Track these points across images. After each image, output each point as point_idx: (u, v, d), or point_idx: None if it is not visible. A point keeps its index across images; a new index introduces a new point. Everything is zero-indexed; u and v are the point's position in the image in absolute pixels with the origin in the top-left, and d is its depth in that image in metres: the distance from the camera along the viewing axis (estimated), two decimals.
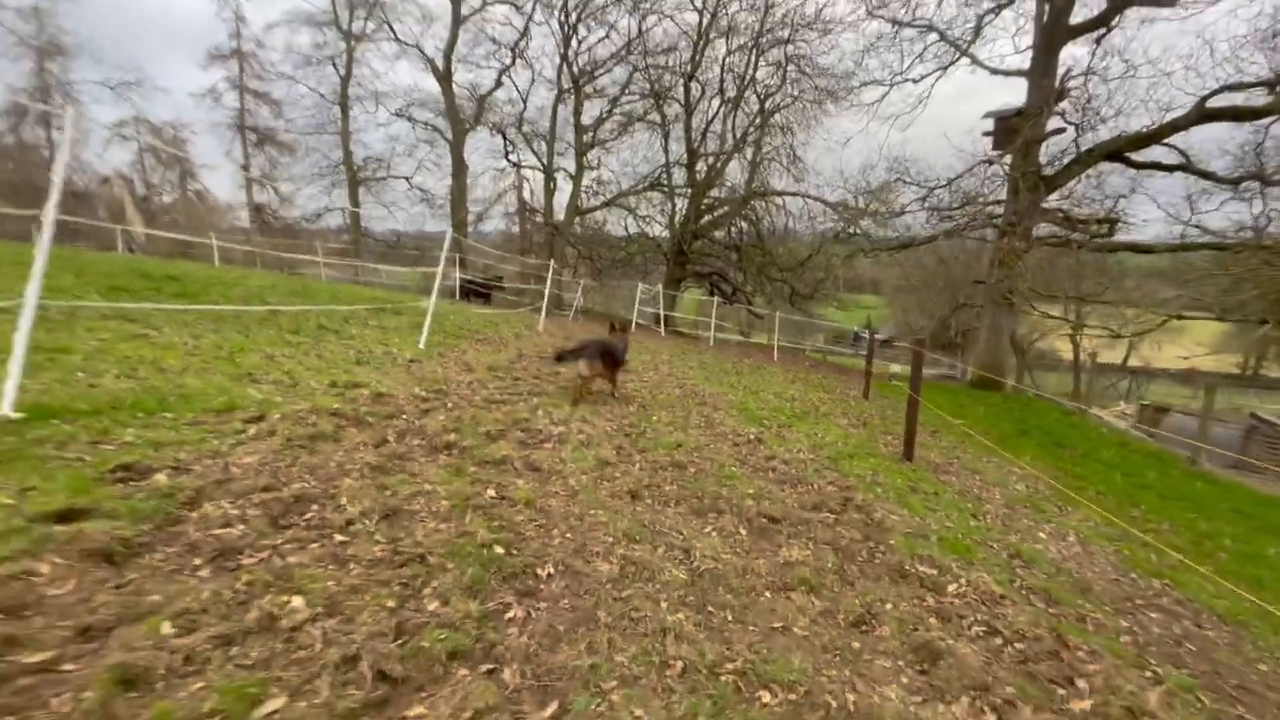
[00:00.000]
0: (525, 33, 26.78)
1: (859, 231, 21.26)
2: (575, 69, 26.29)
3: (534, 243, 31.87)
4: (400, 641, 1.88)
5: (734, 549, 3.20)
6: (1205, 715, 2.63)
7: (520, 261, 25.91)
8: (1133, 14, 14.52)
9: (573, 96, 26.45)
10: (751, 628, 2.46)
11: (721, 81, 23.69)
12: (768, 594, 2.81)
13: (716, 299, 23.95)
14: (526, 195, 31.58)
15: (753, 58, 24.13)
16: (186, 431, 3.17)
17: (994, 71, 16.09)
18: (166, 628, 1.74)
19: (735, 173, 27.05)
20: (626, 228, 28.74)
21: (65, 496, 2.28)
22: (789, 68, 24.07)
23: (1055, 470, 7.99)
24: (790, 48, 23.66)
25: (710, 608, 2.54)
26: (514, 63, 27.17)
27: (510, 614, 2.20)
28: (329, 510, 2.64)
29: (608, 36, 25.91)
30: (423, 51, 27.95)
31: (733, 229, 26.98)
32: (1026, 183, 14.42)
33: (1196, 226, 14.12)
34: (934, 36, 16.77)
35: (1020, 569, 3.93)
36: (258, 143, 35.60)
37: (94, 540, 2.03)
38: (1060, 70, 14.69)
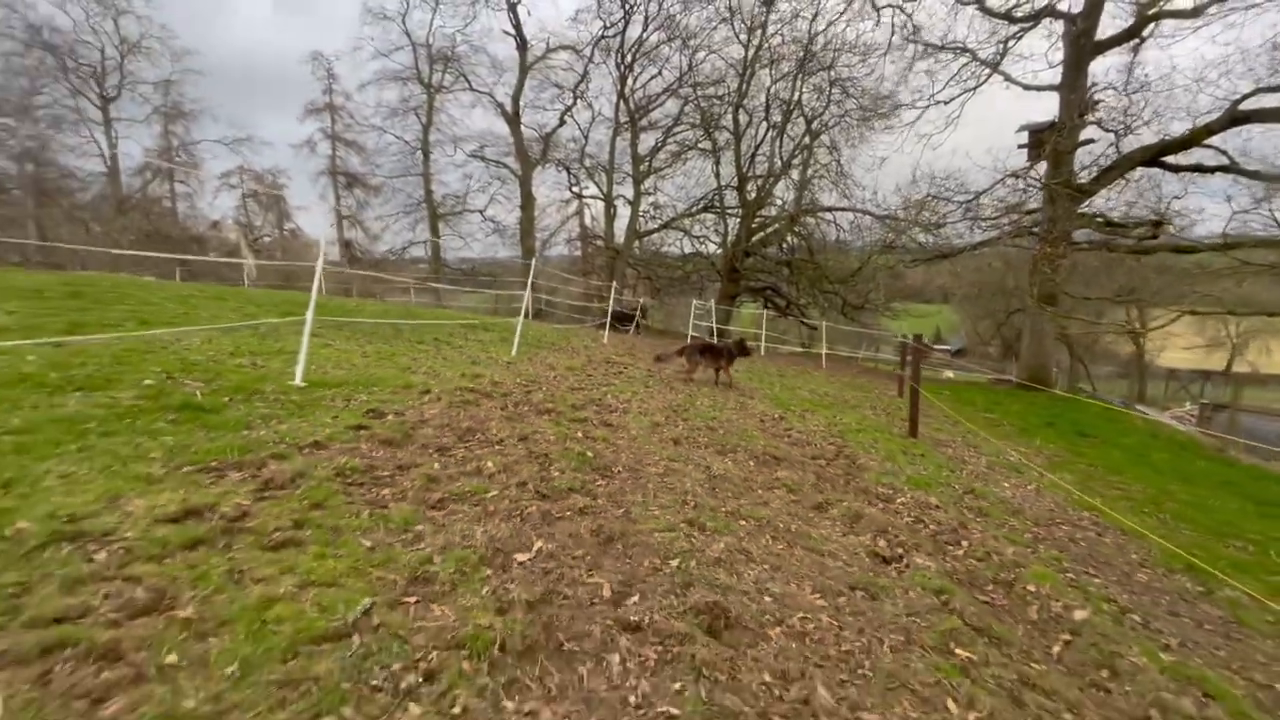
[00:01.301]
0: (585, 75, 29.33)
1: (905, 243, 22.14)
2: (631, 104, 28.53)
3: (595, 265, 34.13)
4: (543, 482, 3.58)
5: (741, 469, 4.77)
6: (1057, 568, 3.97)
7: (584, 283, 28.06)
8: (1166, 25, 15.12)
9: (629, 130, 28.66)
10: (742, 499, 4.04)
11: (767, 108, 25.23)
12: (758, 490, 4.37)
13: (767, 312, 25.21)
14: (588, 222, 34.02)
15: (797, 83, 25.56)
16: (390, 397, 5.04)
17: (1026, 87, 16.91)
18: (432, 468, 3.50)
19: (784, 191, 28.44)
20: (682, 248, 30.54)
21: (353, 421, 4.14)
22: (833, 90, 25.37)
23: (1062, 451, 8.98)
24: (833, 72, 24.98)
25: (717, 490, 4.13)
26: (575, 103, 29.72)
27: (597, 483, 3.86)
28: (487, 434, 4.41)
29: (660, 74, 28.07)
30: (494, 99, 31.00)
31: (784, 245, 28.27)
32: (1060, 191, 15.18)
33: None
34: (966, 58, 17.76)
35: (968, 498, 5.28)
36: (347, 185, 39.89)
37: (381, 436, 3.86)
38: (1090, 82, 15.42)
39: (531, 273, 10.22)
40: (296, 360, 5.15)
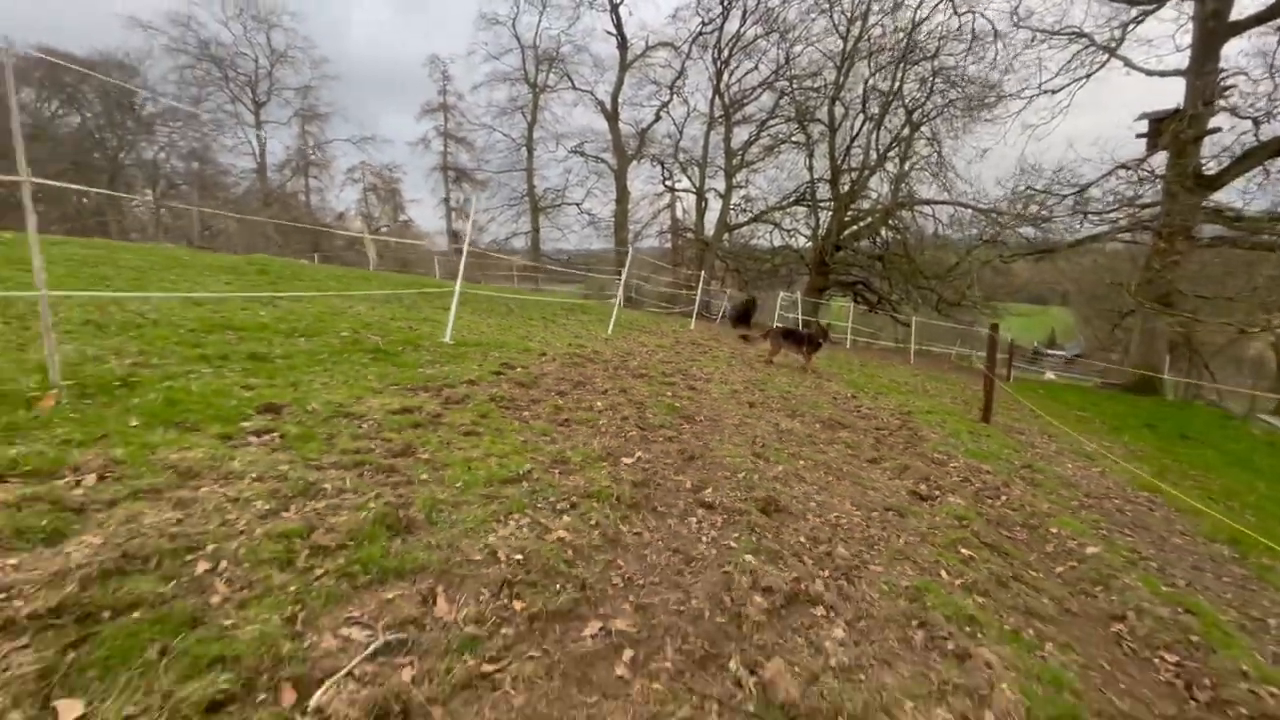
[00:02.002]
0: (682, 72, 30.12)
1: (1007, 238, 21.32)
2: (726, 99, 29.02)
3: (685, 257, 34.95)
4: (640, 419, 4.53)
5: (806, 428, 5.51)
6: (1090, 525, 4.45)
7: (674, 274, 28.97)
8: None
9: (723, 124, 29.18)
10: (803, 448, 4.80)
11: (864, 100, 24.93)
12: (820, 444, 5.10)
13: (854, 305, 25.03)
14: (679, 214, 34.85)
15: (898, 74, 25.03)
16: (516, 356, 6.19)
17: (1149, 73, 15.89)
18: (556, 403, 4.54)
19: (880, 184, 27.91)
20: (771, 240, 30.73)
21: (493, 369, 5.28)
22: (936, 80, 24.66)
23: (1150, 448, 8.88)
24: (936, 61, 24.28)
25: (783, 439, 4.91)
26: (671, 99, 30.61)
27: (683, 426, 4.76)
28: (594, 386, 5.42)
29: (756, 68, 28.35)
30: (595, 96, 32.48)
31: (877, 238, 27.81)
32: (1180, 183, 14.34)
33: None
34: (1082, 43, 16.94)
35: (1023, 470, 5.72)
36: (456, 180, 43.05)
37: (515, 380, 4.96)
38: (1222, 66, 14.37)
39: (627, 262, 11.24)
40: (443, 324, 6.41)
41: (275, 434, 2.89)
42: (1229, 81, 13.95)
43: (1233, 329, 16.54)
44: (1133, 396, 15.19)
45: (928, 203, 26.66)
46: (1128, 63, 16.52)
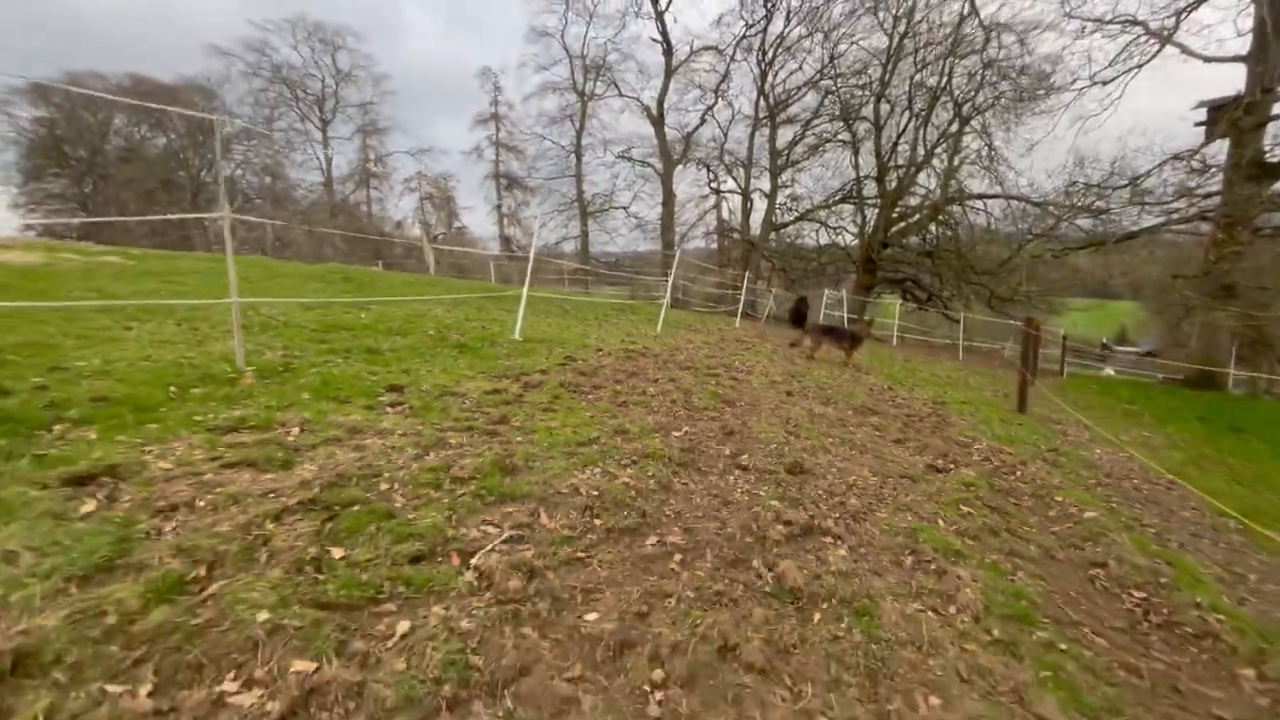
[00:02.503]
0: (726, 75, 30.62)
1: (1063, 230, 20.95)
2: (771, 100, 29.36)
3: (731, 258, 35.35)
4: (686, 402, 5.22)
5: (838, 413, 6.09)
6: (1100, 498, 4.87)
7: (719, 274, 29.46)
8: None
9: (768, 124, 29.51)
10: (834, 429, 5.39)
11: (910, 97, 24.85)
12: (850, 426, 5.67)
13: (901, 303, 24.97)
14: (725, 215, 35.30)
15: (947, 67, 24.83)
16: (576, 350, 6.97)
17: (1206, 59, 15.45)
18: (615, 389, 5.29)
19: (928, 179, 27.67)
20: (818, 239, 30.85)
21: (559, 361, 6.07)
22: (986, 73, 24.37)
23: (1193, 438, 8.96)
24: (986, 54, 24.00)
25: (815, 421, 5.51)
26: (716, 102, 31.15)
27: (725, 409, 5.42)
28: (646, 376, 6.15)
29: (800, 68, 28.58)
30: (641, 102, 33.33)
31: (926, 235, 27.59)
32: (1242, 172, 14.01)
33: None
34: (1136, 31, 16.63)
35: (1048, 454, 6.11)
36: (507, 187, 44.66)
37: (578, 370, 5.73)
38: None
39: (675, 264, 11.93)
40: (510, 324, 7.28)
41: (404, 406, 3.74)
42: None
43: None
44: (1192, 391, 14.85)
45: (979, 197, 26.32)
46: (1184, 49, 16.12)
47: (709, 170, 32.37)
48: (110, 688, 1.40)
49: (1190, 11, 15.38)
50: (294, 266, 14.61)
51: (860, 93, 26.88)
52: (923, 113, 25.01)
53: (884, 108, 26.02)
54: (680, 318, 14.85)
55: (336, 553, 2.06)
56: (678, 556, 2.57)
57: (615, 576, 2.32)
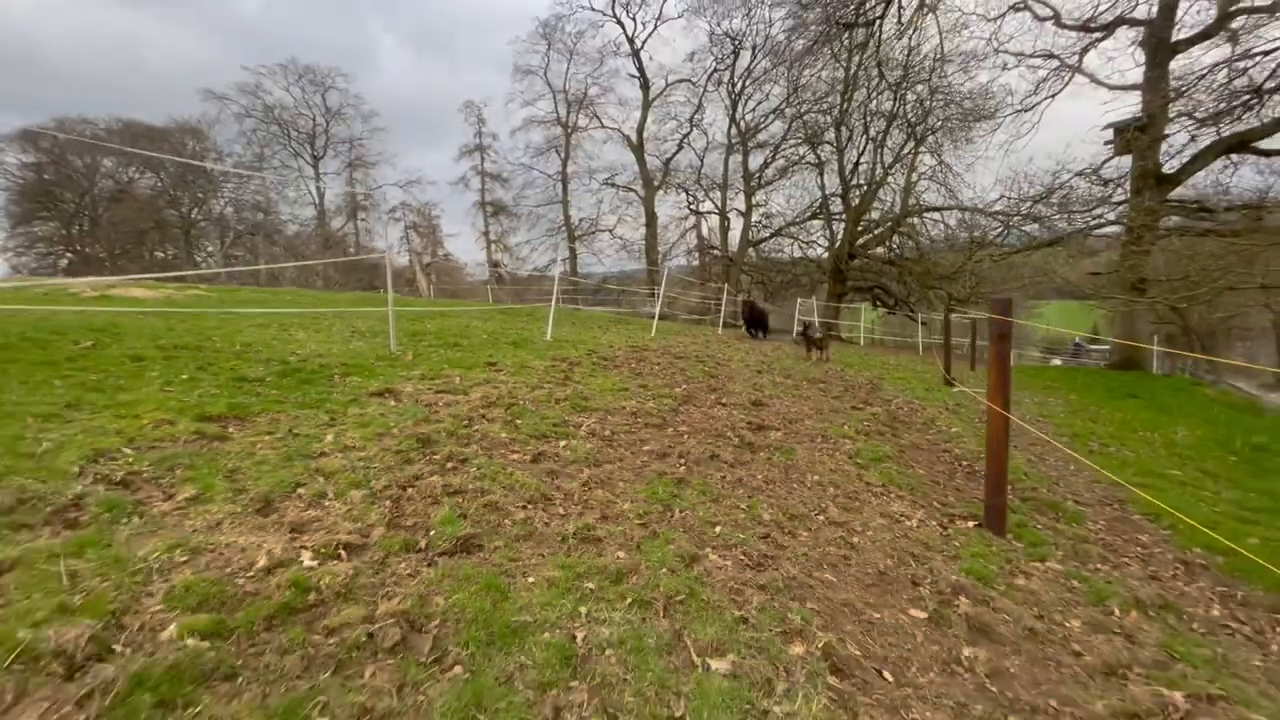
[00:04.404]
0: (699, 106, 33.25)
1: (1009, 236, 23.49)
2: (742, 127, 32.00)
3: (712, 273, 37.74)
4: (683, 376, 7.31)
5: (795, 382, 8.20)
6: (972, 428, 7.01)
7: (701, 289, 31.75)
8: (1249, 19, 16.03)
9: (740, 149, 32.12)
10: (788, 391, 7.49)
11: (865, 123, 27.51)
12: (802, 388, 7.77)
13: (865, 308, 27.29)
14: (704, 234, 37.77)
15: (898, 95, 27.59)
16: (594, 347, 9.02)
17: (1111, 88, 18.16)
18: (630, 368, 7.36)
19: (890, 194, 30.33)
20: (792, 253, 33.34)
21: (584, 352, 8.13)
22: (934, 99, 27.15)
23: (1086, 403, 11.20)
24: (933, 82, 26.80)
25: (775, 387, 7.62)
26: (691, 131, 33.73)
27: (711, 381, 7.50)
28: (651, 360, 8.23)
29: (767, 97, 31.27)
30: (622, 133, 35.85)
31: (890, 245, 30.18)
32: (1145, 182, 16.56)
33: None
34: (1054, 63, 19.35)
35: (952, 407, 8.25)
36: (494, 214, 46.80)
37: (600, 358, 7.80)
38: (1175, 77, 16.60)
39: (663, 279, 14.10)
40: (540, 331, 9.35)
41: (503, 371, 5.80)
42: (1179, 91, 16.16)
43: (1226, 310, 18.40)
44: (1115, 373, 17.24)
45: (934, 209, 28.95)
46: (1093, 78, 18.83)
47: (688, 193, 34.89)
48: (457, 449, 3.45)
49: (1093, 47, 18.10)
50: (330, 295, 16.54)
51: (823, 119, 29.55)
52: (879, 136, 27.65)
53: (844, 132, 28.65)
54: (669, 327, 16.99)
55: (517, 423, 4.12)
56: (685, 432, 4.65)
57: (654, 437, 4.39)
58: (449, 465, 3.24)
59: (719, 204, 33.90)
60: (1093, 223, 18.88)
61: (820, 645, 2.16)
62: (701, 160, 34.18)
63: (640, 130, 34.75)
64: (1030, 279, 24.51)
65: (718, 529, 3.05)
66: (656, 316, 13.62)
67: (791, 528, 3.27)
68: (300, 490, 2.69)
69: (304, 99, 45.89)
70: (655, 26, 33.92)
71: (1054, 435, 7.45)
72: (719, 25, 31.50)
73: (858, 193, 29.57)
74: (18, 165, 39.53)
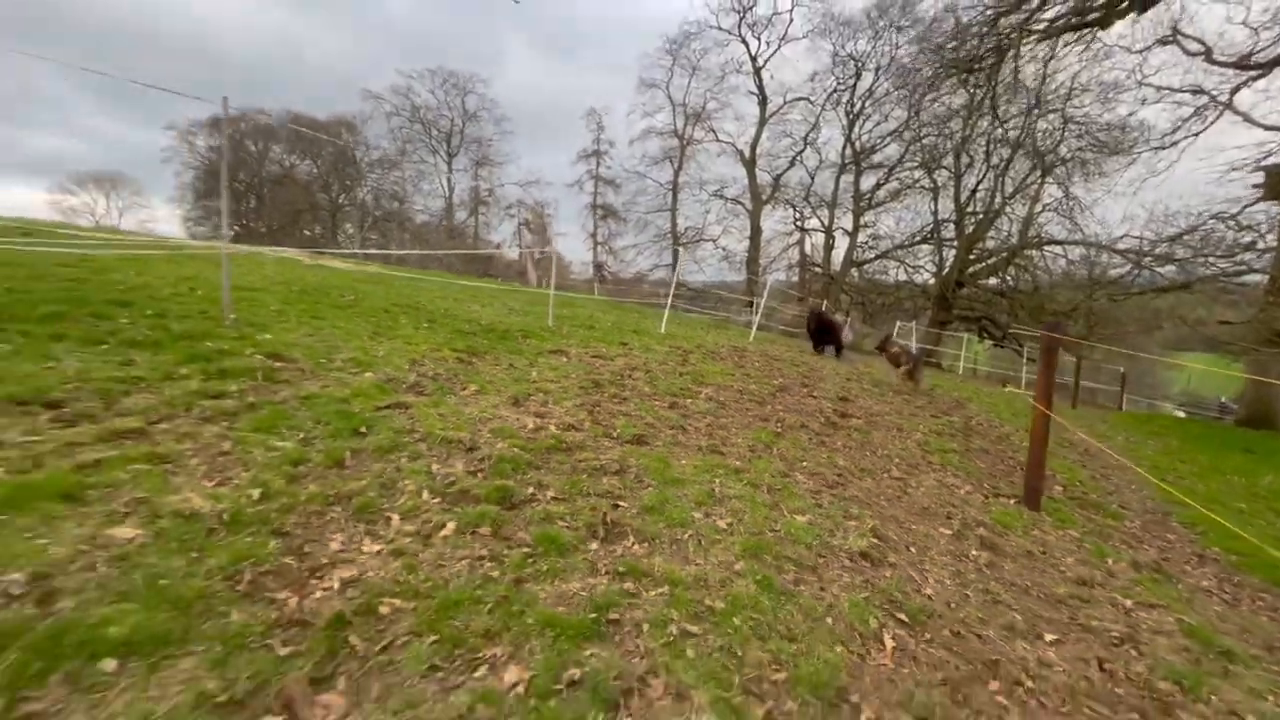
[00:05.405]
0: (815, 125, 33.75)
1: (1142, 276, 22.43)
2: (856, 147, 32.20)
3: (811, 290, 37.97)
4: (780, 371, 8.43)
5: (881, 391, 9.08)
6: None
7: (800, 305, 32.20)
8: None
9: (853, 169, 32.32)
10: (874, 394, 8.42)
11: (987, 152, 27.02)
12: (886, 394, 8.66)
13: (969, 338, 26.76)
14: (808, 250, 38.08)
15: (1026, 123, 26.86)
16: (703, 343, 10.29)
17: (1267, 128, 17.14)
18: (735, 359, 8.60)
19: (1009, 224, 29.44)
20: (896, 276, 33.04)
21: (694, 344, 9.44)
22: (1066, 129, 26.22)
23: (1195, 451, 11.11)
24: (1066, 112, 25.90)
25: (861, 390, 8.56)
26: (805, 149, 34.28)
27: (802, 377, 8.56)
28: (750, 358, 9.40)
29: (886, 119, 31.30)
30: (736, 147, 36.97)
31: (1005, 277, 29.29)
32: None
33: None
34: (1202, 99, 18.49)
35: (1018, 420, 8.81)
36: (603, 217, 49.27)
37: (707, 350, 9.09)
38: None
39: (765, 291, 15.17)
40: (655, 325, 10.76)
41: (634, 350, 7.22)
42: None
43: None
44: (1239, 429, 16.30)
45: (1057, 243, 27.83)
46: (1246, 117, 17.83)
47: (795, 209, 35.41)
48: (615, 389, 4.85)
49: (1247, 85, 17.17)
50: (467, 278, 18.93)
51: (943, 143, 29.23)
52: (1001, 164, 27.07)
53: (964, 158, 28.25)
54: (764, 336, 17.98)
55: (655, 384, 5.49)
56: (781, 410, 5.82)
57: (755, 408, 5.61)
58: (615, 399, 4.64)
59: (825, 222, 34.24)
60: (1230, 268, 17.89)
61: (869, 525, 3.32)
62: (812, 178, 34.66)
63: (754, 146, 35.72)
64: (1152, 321, 23.17)
65: (804, 463, 4.24)
66: (755, 325, 14.71)
67: (859, 475, 4.38)
68: (532, 397, 4.18)
69: (445, 101, 50.46)
70: (779, 46, 34.82)
71: (1132, 465, 7.87)
72: (844, 47, 31.95)
73: (973, 220, 29.01)
74: (205, 148, 46.36)
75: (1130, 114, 21.67)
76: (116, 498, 2.11)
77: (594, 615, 2.02)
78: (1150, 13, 18.72)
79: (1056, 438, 8.66)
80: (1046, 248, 28.20)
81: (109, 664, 1.48)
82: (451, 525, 2.37)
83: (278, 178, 50.46)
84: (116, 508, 2.06)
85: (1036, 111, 26.56)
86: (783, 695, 1.89)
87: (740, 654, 2.02)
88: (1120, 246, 23.86)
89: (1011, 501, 4.70)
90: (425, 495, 2.57)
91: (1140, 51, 20.15)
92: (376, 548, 2.18)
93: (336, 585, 1.94)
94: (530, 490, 2.82)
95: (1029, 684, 2.30)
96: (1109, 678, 2.47)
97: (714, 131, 38.12)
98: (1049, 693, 2.29)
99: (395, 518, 2.37)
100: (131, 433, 2.55)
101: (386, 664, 1.68)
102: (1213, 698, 2.42)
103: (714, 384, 6.16)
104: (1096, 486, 5.96)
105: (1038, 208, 28.55)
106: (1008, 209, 27.91)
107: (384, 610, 1.87)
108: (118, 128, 68.60)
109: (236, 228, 50.70)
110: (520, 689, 1.67)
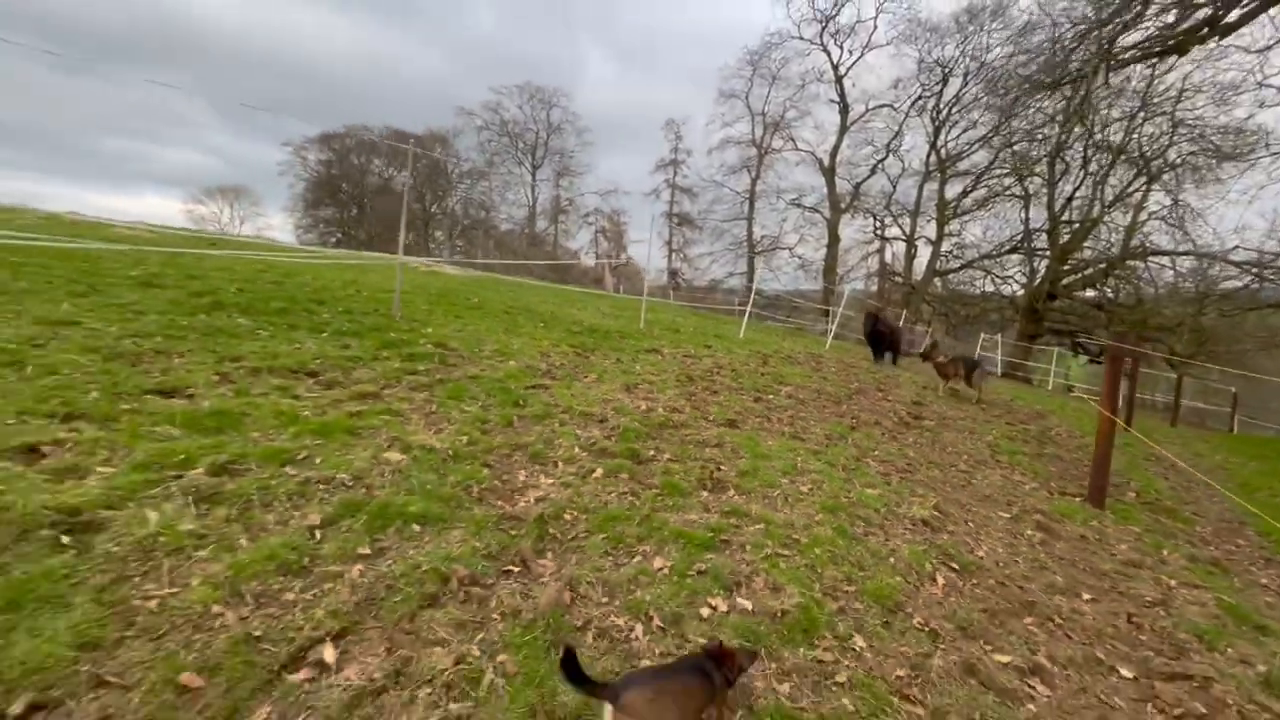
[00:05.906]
0: (899, 132, 33.21)
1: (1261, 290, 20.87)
2: (942, 155, 31.45)
3: (891, 300, 37.20)
4: (856, 377, 8.89)
5: (959, 401, 9.32)
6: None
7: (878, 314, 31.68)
8: None
9: (938, 177, 31.57)
10: (947, 401, 8.71)
11: (1085, 159, 25.81)
12: (961, 403, 8.91)
13: (1059, 352, 25.59)
14: (888, 259, 37.37)
15: (1131, 126, 25.43)
16: (780, 349, 10.84)
17: None
18: (812, 364, 9.12)
19: (1108, 233, 27.86)
20: (982, 287, 31.91)
21: (773, 349, 10.01)
22: (1176, 132, 24.64)
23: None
24: (1176, 115, 24.36)
25: (935, 398, 8.87)
26: (887, 157, 33.78)
27: (877, 383, 8.96)
28: (826, 364, 9.86)
29: (974, 125, 30.42)
30: (815, 156, 36.88)
31: (1104, 288, 27.74)
32: None
33: None
34: None
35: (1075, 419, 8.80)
36: (678, 225, 50.09)
37: (783, 355, 9.64)
38: None
39: (843, 300, 15.45)
40: (734, 332, 11.39)
41: (718, 352, 7.91)
42: None
43: None
44: None
45: (1165, 253, 26.13)
46: None
47: (875, 218, 34.91)
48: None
49: None
50: (555, 286, 20.24)
51: (1036, 149, 28.10)
52: (1100, 171, 25.79)
53: (1059, 165, 27.08)
54: (841, 345, 18.15)
55: (740, 381, 6.17)
56: (856, 409, 6.35)
57: (832, 406, 6.18)
58: (708, 391, 5.38)
59: (907, 230, 33.56)
60: None
61: (932, 502, 3.88)
62: (894, 186, 34.11)
63: (834, 154, 35.52)
64: (1272, 339, 21.44)
65: (876, 452, 4.81)
66: (831, 334, 15.02)
67: (927, 466, 4.89)
68: (639, 386, 4.99)
69: (531, 115, 52.99)
70: (861, 54, 34.50)
71: (1222, 483, 7.77)
72: (930, 53, 31.36)
73: (1068, 229, 27.73)
74: (315, 161, 50.81)
75: (1249, 116, 20.23)
76: (379, 435, 3.06)
77: (710, 534, 2.76)
78: (1273, 10, 17.56)
79: (1143, 452, 8.63)
80: (1151, 259, 26.57)
81: (416, 527, 2.36)
82: (600, 470, 3.19)
83: (378, 188, 54.71)
84: (381, 441, 3.00)
85: (1143, 115, 25.16)
86: (852, 600, 2.56)
87: (820, 571, 2.70)
88: (1235, 258, 22.27)
89: (1076, 499, 5.04)
90: (577, 450, 3.40)
91: (1259, 51, 18.85)
92: (551, 481, 3.01)
93: (532, 500, 2.78)
94: (651, 453, 3.60)
95: (1059, 621, 2.84)
96: (1135, 627, 2.95)
97: (793, 140, 38.20)
98: (1076, 630, 2.82)
99: (560, 462, 3.21)
100: (369, 395, 3.54)
101: (576, 547, 2.49)
102: (1229, 649, 2.86)
103: (793, 384, 6.76)
104: (1173, 496, 6.11)
105: (1142, 215, 26.91)
106: (1107, 217, 26.49)
107: (567, 517, 2.69)
108: (239, 145, 76.38)
109: (338, 235, 55.28)
110: (665, 570, 2.43)
